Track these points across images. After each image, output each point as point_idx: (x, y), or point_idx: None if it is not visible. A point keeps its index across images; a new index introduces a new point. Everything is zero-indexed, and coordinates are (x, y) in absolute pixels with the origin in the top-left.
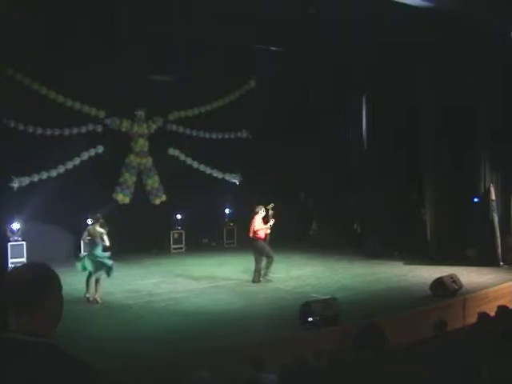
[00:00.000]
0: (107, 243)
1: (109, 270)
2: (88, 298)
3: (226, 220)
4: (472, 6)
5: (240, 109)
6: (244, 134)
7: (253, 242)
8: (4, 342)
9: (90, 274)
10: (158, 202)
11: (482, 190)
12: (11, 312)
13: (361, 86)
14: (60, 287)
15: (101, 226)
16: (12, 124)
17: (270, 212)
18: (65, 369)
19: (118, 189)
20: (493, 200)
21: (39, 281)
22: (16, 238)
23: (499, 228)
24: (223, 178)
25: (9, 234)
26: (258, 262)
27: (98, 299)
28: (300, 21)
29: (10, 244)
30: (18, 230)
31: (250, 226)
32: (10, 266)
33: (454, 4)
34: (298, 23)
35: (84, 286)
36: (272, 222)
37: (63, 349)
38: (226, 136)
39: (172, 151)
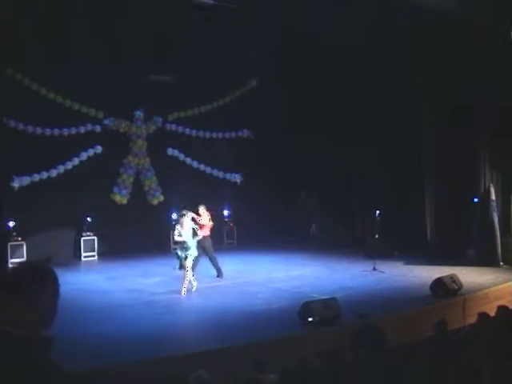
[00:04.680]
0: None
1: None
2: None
3: (226, 220)
4: (472, 5)
5: (241, 108)
6: (245, 134)
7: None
8: None
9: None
10: (155, 202)
11: (482, 190)
12: (4, 304)
13: (361, 88)
14: (57, 286)
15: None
16: (12, 124)
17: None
18: (41, 365)
19: (116, 189)
20: (493, 200)
21: (37, 277)
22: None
23: (499, 228)
24: (224, 178)
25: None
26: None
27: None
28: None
29: (10, 244)
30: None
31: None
32: (10, 266)
33: (453, 4)
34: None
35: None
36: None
37: (46, 346)
38: (227, 135)
39: (171, 151)
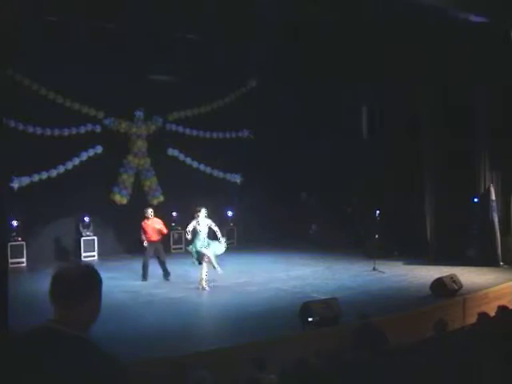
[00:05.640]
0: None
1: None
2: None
3: (227, 220)
4: (472, 6)
5: (241, 108)
6: (245, 134)
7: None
8: (42, 329)
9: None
10: (155, 202)
11: (482, 190)
12: (53, 303)
13: (361, 87)
14: (101, 289)
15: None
16: (12, 124)
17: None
18: (94, 361)
19: (116, 189)
20: (493, 200)
21: (85, 281)
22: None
23: (499, 228)
24: (224, 178)
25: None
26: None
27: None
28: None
29: (10, 244)
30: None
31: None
32: (10, 265)
33: (453, 4)
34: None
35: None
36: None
37: (96, 343)
38: (227, 136)
39: (171, 151)
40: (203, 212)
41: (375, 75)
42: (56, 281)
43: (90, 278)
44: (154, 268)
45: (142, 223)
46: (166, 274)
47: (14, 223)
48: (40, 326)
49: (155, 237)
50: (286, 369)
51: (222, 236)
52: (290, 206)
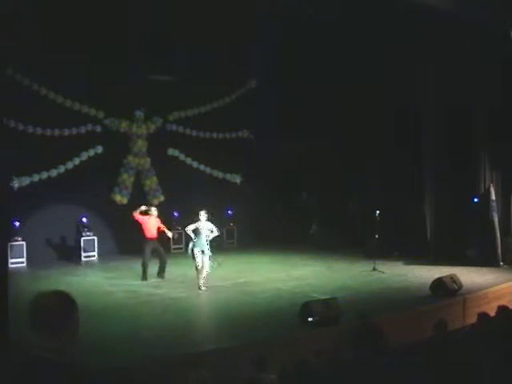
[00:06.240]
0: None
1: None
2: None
3: (227, 220)
4: (472, 6)
5: (240, 109)
6: (245, 134)
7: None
8: (29, 358)
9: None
10: (156, 202)
11: (482, 190)
12: (37, 333)
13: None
14: (77, 315)
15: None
16: (12, 124)
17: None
18: None
19: (116, 189)
20: (493, 200)
21: (62, 311)
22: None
23: (499, 228)
24: (224, 179)
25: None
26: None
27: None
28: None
29: (10, 244)
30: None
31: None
32: (10, 266)
33: (453, 4)
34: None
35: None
36: None
37: (83, 368)
38: (227, 136)
39: (171, 151)
40: (203, 214)
41: (375, 75)
42: (34, 313)
43: (67, 308)
44: (154, 268)
45: (145, 217)
46: (162, 272)
47: (17, 223)
48: (25, 355)
49: (155, 234)
50: (285, 369)
51: (221, 238)
52: (289, 205)
